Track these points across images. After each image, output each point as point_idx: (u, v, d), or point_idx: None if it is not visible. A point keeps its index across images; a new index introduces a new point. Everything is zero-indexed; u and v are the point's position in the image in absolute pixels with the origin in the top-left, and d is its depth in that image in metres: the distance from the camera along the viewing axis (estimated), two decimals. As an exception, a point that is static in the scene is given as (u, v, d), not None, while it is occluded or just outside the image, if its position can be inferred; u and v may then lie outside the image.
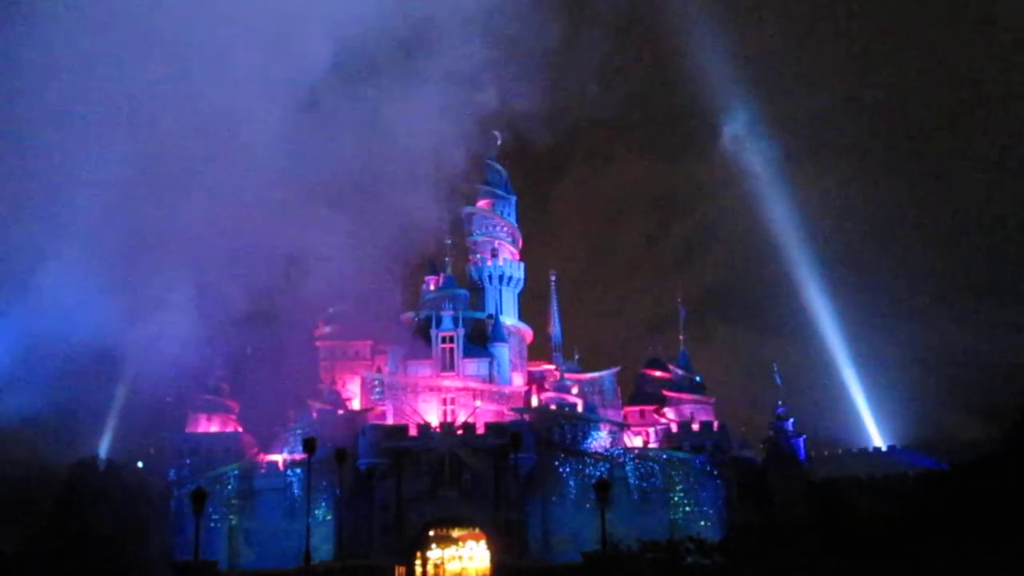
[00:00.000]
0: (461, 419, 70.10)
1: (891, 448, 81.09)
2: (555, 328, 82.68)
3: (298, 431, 69.70)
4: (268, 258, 69.15)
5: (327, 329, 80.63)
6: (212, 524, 67.01)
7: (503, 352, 75.85)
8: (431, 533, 69.12)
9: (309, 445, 52.75)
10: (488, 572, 67.20)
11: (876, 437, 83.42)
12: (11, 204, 64.07)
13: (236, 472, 69.76)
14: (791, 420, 77.23)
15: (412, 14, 75.10)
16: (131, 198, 67.16)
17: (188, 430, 72.94)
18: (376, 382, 75.29)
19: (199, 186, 68.02)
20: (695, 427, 73.28)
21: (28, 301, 63.96)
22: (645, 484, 69.15)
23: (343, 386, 76.76)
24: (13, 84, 64.64)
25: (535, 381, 77.69)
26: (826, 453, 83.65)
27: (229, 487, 68.86)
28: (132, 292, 66.90)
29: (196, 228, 68.92)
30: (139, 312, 66.97)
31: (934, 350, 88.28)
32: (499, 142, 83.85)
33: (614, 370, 79.91)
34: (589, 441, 70.57)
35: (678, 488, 69.75)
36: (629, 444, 73.86)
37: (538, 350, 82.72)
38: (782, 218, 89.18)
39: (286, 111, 71.07)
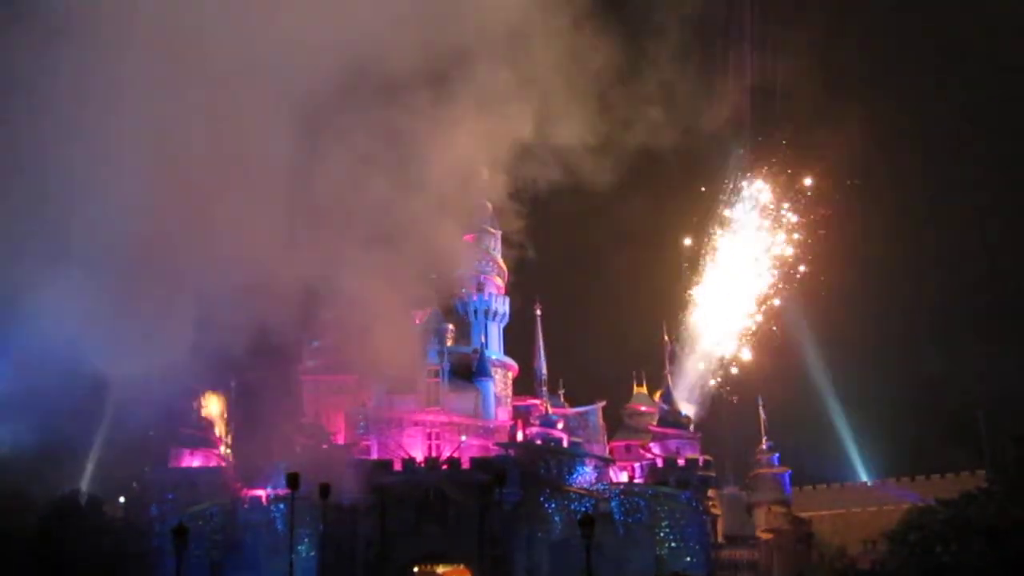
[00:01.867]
0: (446, 454, 69.80)
1: (876, 483, 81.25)
2: (540, 363, 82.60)
3: (281, 466, 69.14)
4: (270, 291, 68.43)
5: (311, 363, 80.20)
6: (194, 560, 66.19)
7: (488, 386, 75.70)
8: (415, 569, 68.62)
9: (293, 480, 52.35)
10: (472, 608, 66.85)
11: (862, 472, 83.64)
12: (19, 222, 63.29)
13: (218, 508, 69.15)
14: (777, 455, 77.31)
15: (436, 39, 73.70)
16: (141, 225, 66.65)
17: (171, 465, 72.28)
18: (360, 416, 74.91)
19: (211, 215, 67.40)
20: (681, 462, 73.15)
21: (21, 328, 63.32)
22: (630, 519, 68.77)
23: (327, 420, 76.23)
24: (40, 102, 63.95)
25: (520, 416, 77.48)
26: (812, 488, 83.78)
27: (212, 523, 68.21)
28: (128, 323, 66.39)
29: (201, 258, 68.41)
30: (132, 344, 66.40)
31: (921, 385, 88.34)
32: (485, 177, 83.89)
33: (599, 405, 79.89)
34: (575, 476, 70.35)
35: (663, 524, 69.40)
36: (615, 479, 73.67)
37: (523, 384, 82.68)
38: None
39: (297, 135, 70.26)
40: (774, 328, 79.83)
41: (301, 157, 69.88)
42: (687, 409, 79.09)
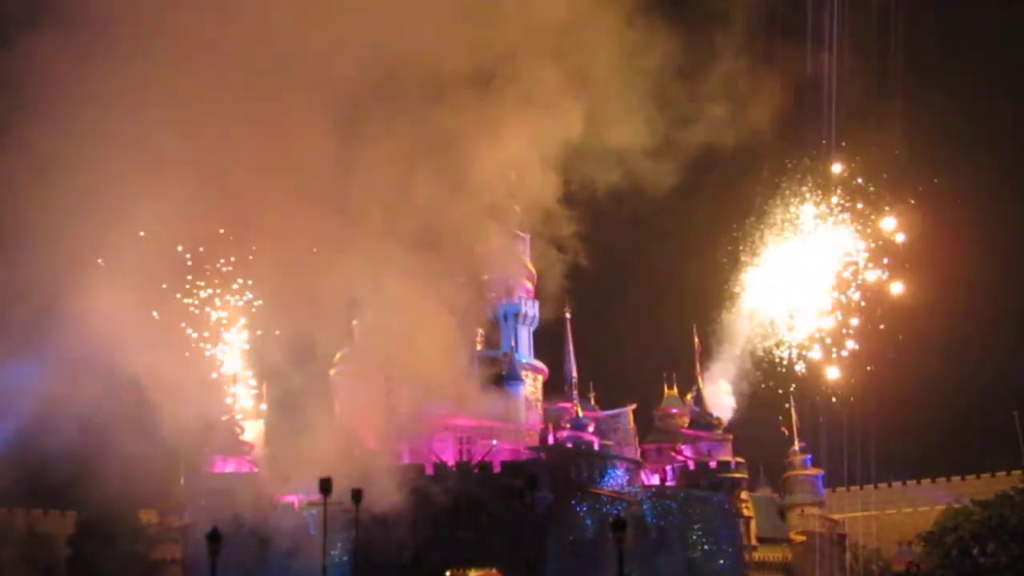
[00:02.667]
0: (477, 458, 69.82)
1: (911, 484, 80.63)
2: (570, 365, 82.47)
3: (314, 471, 69.29)
4: (310, 296, 68.45)
5: (343, 368, 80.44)
6: (228, 566, 66.50)
7: (519, 390, 75.66)
8: (448, 573, 68.72)
9: (325, 486, 52.51)
10: (505, 612, 66.83)
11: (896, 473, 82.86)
12: (63, 225, 63.35)
13: (252, 514, 69.41)
14: (810, 457, 76.85)
15: (482, 36, 71.23)
16: (183, 229, 66.82)
17: (204, 471, 72.67)
18: (392, 421, 75.02)
19: (253, 219, 67.33)
20: (712, 464, 72.90)
21: (61, 333, 63.51)
22: (663, 523, 68.65)
23: (359, 425, 76.37)
24: (81, 104, 63.97)
25: (551, 419, 77.31)
26: (846, 490, 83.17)
27: (245, 529, 68.45)
28: (168, 329, 66.76)
29: (242, 263, 68.53)
30: (171, 350, 66.80)
31: (957, 383, 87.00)
32: (514, 178, 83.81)
33: (630, 407, 79.61)
34: (606, 479, 70.18)
35: (696, 526, 69.25)
36: (646, 482, 73.46)
37: (553, 388, 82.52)
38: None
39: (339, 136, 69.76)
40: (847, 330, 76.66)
41: (343, 158, 69.30)
42: (722, 407, 78.54)
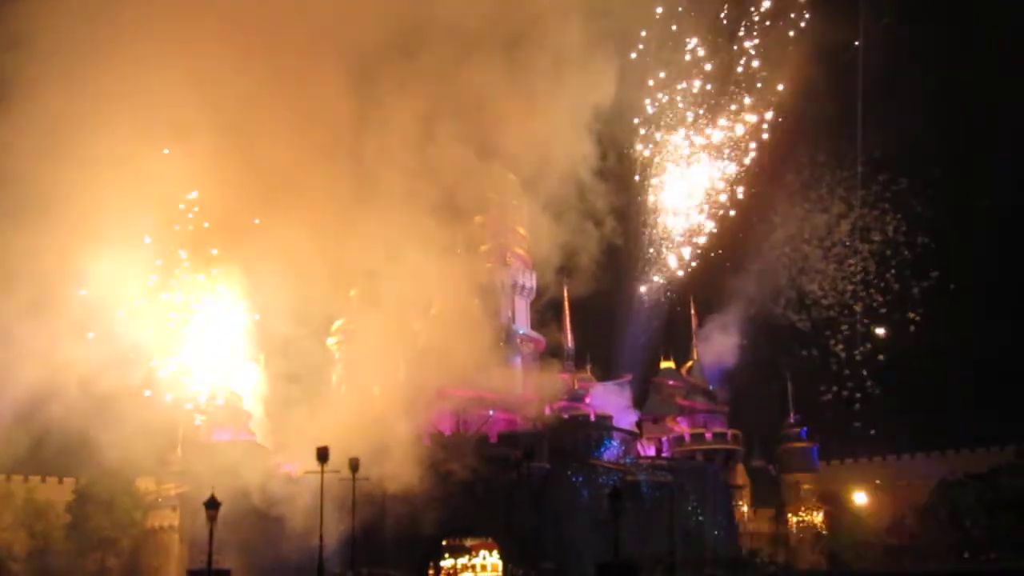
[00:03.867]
0: (474, 429, 70.02)
1: (905, 457, 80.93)
2: (567, 337, 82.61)
3: (311, 440, 69.49)
4: (324, 267, 68.15)
5: (338, 338, 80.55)
6: (225, 533, 66.91)
7: (516, 361, 75.76)
8: (444, 543, 69.16)
9: (322, 454, 52.70)
10: (501, 581, 67.31)
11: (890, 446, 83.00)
12: (74, 188, 62.85)
13: (250, 482, 69.65)
14: (804, 429, 77.17)
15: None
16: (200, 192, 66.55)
17: (203, 439, 72.86)
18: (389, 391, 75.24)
19: (274, 187, 66.75)
20: (708, 436, 73.23)
21: (68, 300, 63.33)
22: (658, 493, 68.94)
23: (359, 395, 76.51)
24: (92, 73, 63.25)
25: (547, 390, 77.50)
26: (840, 462, 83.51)
27: (243, 497, 68.70)
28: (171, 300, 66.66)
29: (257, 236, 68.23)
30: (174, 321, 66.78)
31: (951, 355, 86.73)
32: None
33: (627, 378, 79.84)
34: (602, 450, 70.49)
35: (691, 497, 69.55)
36: (642, 453, 73.78)
37: (551, 359, 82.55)
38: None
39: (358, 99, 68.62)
40: None
41: (361, 119, 68.23)
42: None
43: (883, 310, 69.35)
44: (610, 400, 77.39)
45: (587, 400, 74.47)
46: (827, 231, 71.67)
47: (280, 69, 66.59)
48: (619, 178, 75.86)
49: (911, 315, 67.31)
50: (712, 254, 75.72)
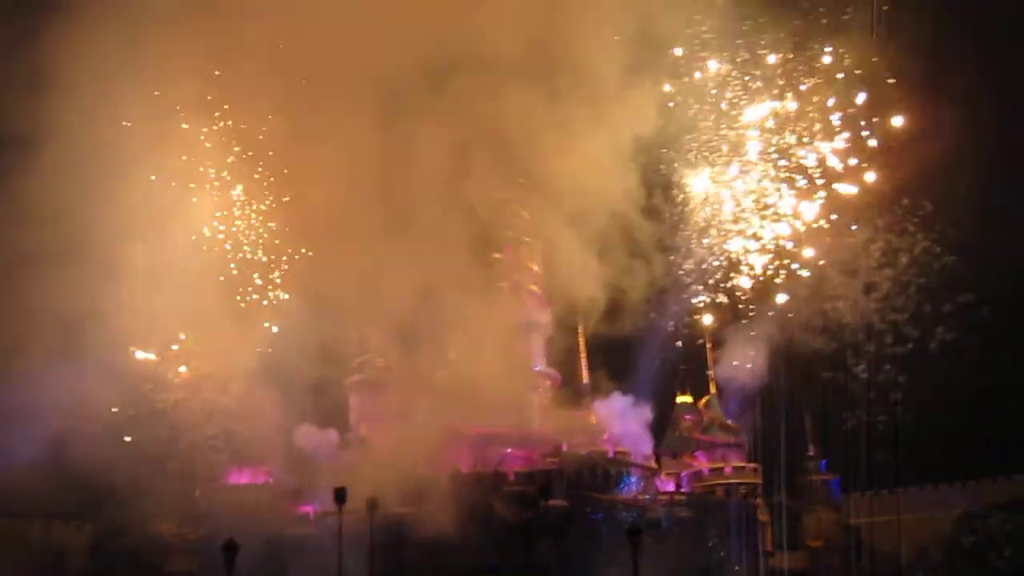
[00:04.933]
0: (492, 466, 69.78)
1: (928, 488, 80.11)
2: (584, 373, 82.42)
3: (329, 481, 69.38)
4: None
5: (357, 377, 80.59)
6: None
7: (532, 398, 75.56)
8: (462, 582, 68.75)
9: (340, 495, 52.78)
10: (521, 620, 66.76)
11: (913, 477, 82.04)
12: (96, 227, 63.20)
13: (267, 524, 69.50)
14: (824, 461, 76.61)
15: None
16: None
17: (219, 482, 72.83)
18: (406, 430, 75.08)
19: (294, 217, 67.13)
20: (727, 470, 72.71)
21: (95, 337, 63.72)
22: (678, 529, 68.47)
23: (372, 434, 76.51)
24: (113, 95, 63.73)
25: (565, 427, 77.17)
26: (861, 494, 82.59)
27: (261, 539, 68.51)
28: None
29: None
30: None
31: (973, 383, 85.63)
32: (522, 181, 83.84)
33: (645, 414, 79.37)
34: (621, 486, 70.11)
35: (712, 533, 69.04)
36: (661, 488, 73.28)
37: (567, 395, 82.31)
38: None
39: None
40: None
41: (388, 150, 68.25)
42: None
43: (909, 334, 69.02)
44: (628, 436, 76.77)
45: (604, 436, 74.03)
46: (851, 255, 71.44)
47: (306, 101, 66.97)
48: (655, 212, 75.52)
49: (937, 339, 66.93)
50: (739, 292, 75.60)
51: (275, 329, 70.30)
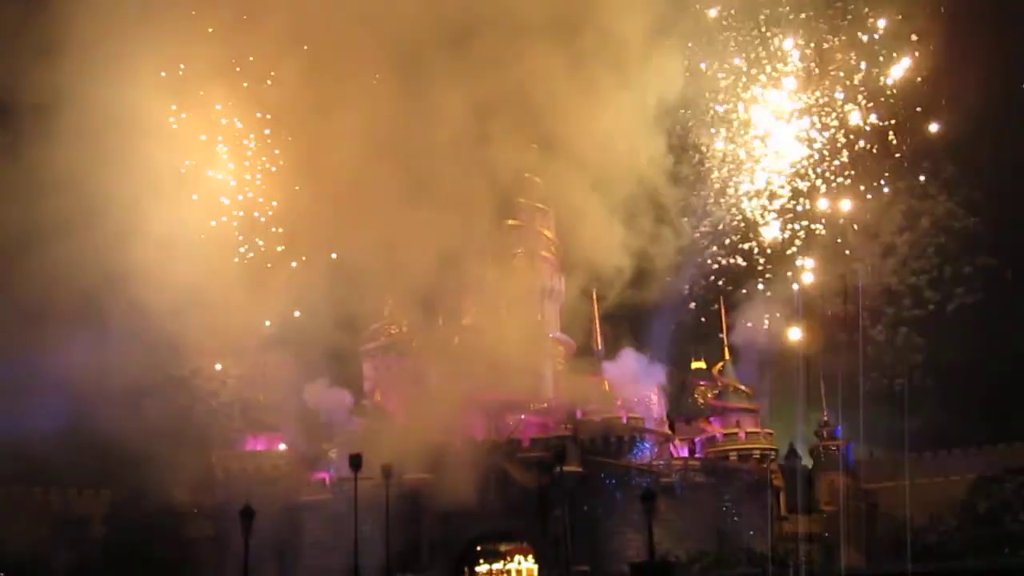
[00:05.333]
0: (506, 433, 70.00)
1: (942, 453, 79.95)
2: (598, 340, 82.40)
3: (344, 448, 69.74)
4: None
5: (371, 344, 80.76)
6: (260, 542, 67.20)
7: (546, 364, 75.67)
8: (478, 548, 69.18)
9: (355, 461, 52.91)
10: (536, 586, 67.25)
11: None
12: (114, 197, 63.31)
13: (283, 490, 70.02)
14: (839, 427, 76.52)
15: None
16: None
17: (236, 448, 73.25)
18: (421, 397, 75.38)
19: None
20: (741, 436, 72.80)
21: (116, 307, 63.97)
22: (692, 494, 68.63)
23: (388, 400, 76.75)
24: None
25: (579, 393, 77.20)
26: (875, 459, 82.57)
27: (277, 505, 69.03)
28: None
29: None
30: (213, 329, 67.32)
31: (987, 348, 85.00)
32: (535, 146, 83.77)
33: (659, 380, 79.40)
34: (635, 452, 70.23)
35: (725, 498, 69.24)
36: (675, 454, 73.46)
37: (582, 362, 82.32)
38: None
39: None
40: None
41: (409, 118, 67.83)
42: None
43: (928, 296, 68.67)
44: (642, 402, 76.76)
45: (618, 402, 74.05)
46: (870, 217, 71.00)
47: (324, 63, 66.63)
48: (672, 175, 74.92)
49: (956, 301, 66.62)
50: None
51: (297, 314, 70.35)
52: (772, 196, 72.32)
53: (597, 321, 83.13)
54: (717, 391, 78.12)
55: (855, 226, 70.96)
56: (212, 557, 70.73)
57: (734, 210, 72.31)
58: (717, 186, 72.36)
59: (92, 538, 73.97)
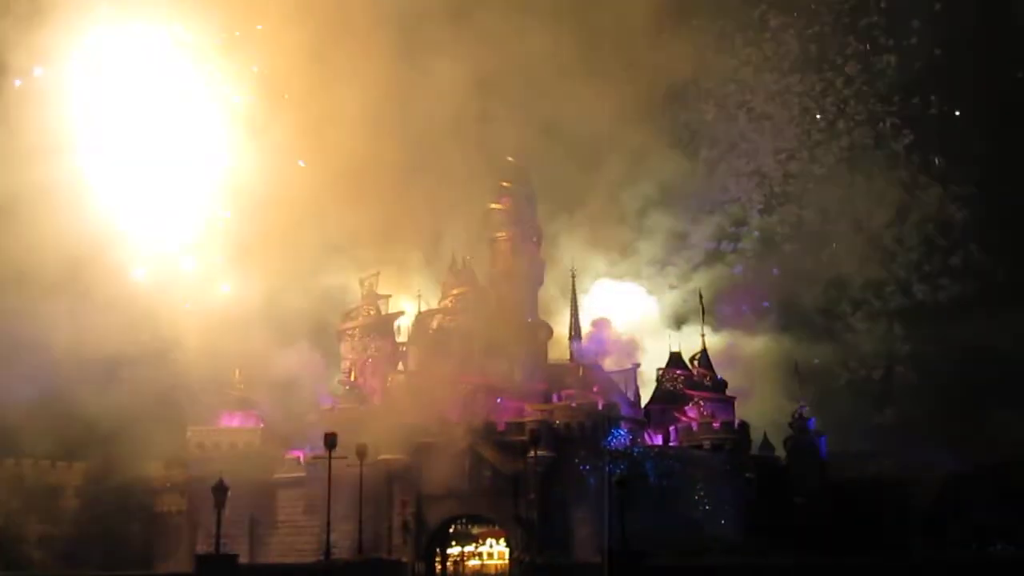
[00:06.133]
0: (481, 416, 70.06)
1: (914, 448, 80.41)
2: (575, 326, 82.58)
3: (319, 427, 69.63)
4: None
5: (348, 325, 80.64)
6: (233, 518, 67.14)
7: (523, 349, 75.74)
8: (451, 530, 69.31)
9: (330, 441, 52.91)
10: (507, 569, 67.35)
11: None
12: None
13: (257, 467, 69.88)
14: (812, 419, 76.91)
15: None
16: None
17: (210, 425, 73.04)
18: (397, 379, 75.42)
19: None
20: (715, 425, 73.10)
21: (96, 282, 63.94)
22: (665, 482, 68.91)
23: (364, 382, 76.73)
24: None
25: (555, 378, 77.38)
26: (847, 452, 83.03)
27: (250, 482, 68.94)
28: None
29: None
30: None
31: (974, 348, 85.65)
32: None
33: (635, 367, 79.67)
34: (609, 439, 70.37)
35: (698, 487, 69.56)
36: (650, 442, 73.70)
37: (559, 347, 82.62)
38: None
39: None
40: None
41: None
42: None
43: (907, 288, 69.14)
44: (618, 389, 77.20)
45: (595, 388, 74.21)
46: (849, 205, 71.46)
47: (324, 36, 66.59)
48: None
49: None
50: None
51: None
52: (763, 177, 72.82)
53: (576, 305, 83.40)
54: (692, 379, 78.35)
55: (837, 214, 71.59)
56: (184, 532, 70.72)
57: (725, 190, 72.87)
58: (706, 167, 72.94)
59: (65, 510, 73.81)
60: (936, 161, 72.00)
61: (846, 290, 78.76)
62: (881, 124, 75.60)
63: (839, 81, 76.01)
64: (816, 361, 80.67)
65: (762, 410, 78.82)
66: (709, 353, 79.96)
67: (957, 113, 74.09)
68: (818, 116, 75.07)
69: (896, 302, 76.98)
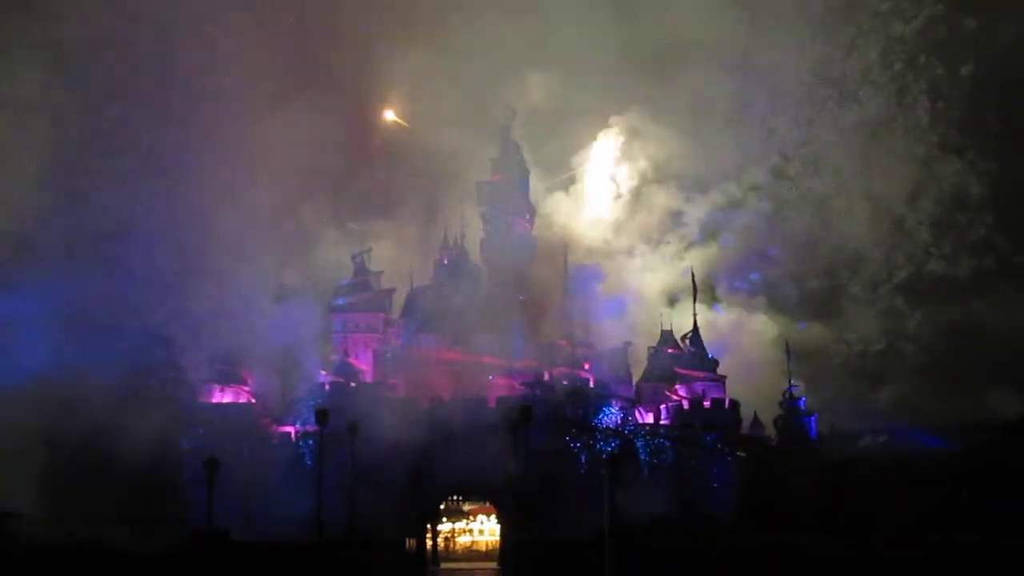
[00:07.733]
0: (473, 393, 70.05)
1: (906, 429, 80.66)
2: (568, 303, 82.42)
3: (311, 403, 69.67)
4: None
5: (340, 301, 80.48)
6: (224, 493, 67.03)
7: (515, 326, 75.66)
8: (442, 507, 69.39)
9: (322, 417, 52.97)
10: (498, 546, 67.48)
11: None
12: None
13: (248, 443, 69.81)
14: (803, 399, 77.01)
15: None
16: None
17: (202, 400, 72.89)
18: (388, 355, 75.29)
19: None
20: (706, 404, 73.16)
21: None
22: (656, 461, 69.15)
23: (356, 358, 76.68)
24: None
25: (546, 356, 77.33)
26: (838, 431, 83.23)
27: (241, 457, 68.89)
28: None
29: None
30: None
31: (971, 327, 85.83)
32: (514, 113, 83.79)
33: (626, 346, 79.61)
34: (600, 417, 70.51)
35: (689, 465, 69.69)
36: (640, 420, 73.76)
37: (550, 325, 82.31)
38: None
39: None
40: None
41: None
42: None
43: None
44: (609, 367, 77.14)
45: (586, 367, 74.31)
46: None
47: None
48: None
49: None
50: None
51: None
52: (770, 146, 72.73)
53: (568, 284, 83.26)
54: (684, 358, 78.30)
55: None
56: (176, 508, 70.50)
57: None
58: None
59: (53, 476, 73.51)
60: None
61: (851, 265, 78.73)
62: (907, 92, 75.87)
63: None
64: (813, 340, 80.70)
65: (758, 388, 78.88)
66: (701, 332, 79.79)
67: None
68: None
69: (899, 277, 76.88)
